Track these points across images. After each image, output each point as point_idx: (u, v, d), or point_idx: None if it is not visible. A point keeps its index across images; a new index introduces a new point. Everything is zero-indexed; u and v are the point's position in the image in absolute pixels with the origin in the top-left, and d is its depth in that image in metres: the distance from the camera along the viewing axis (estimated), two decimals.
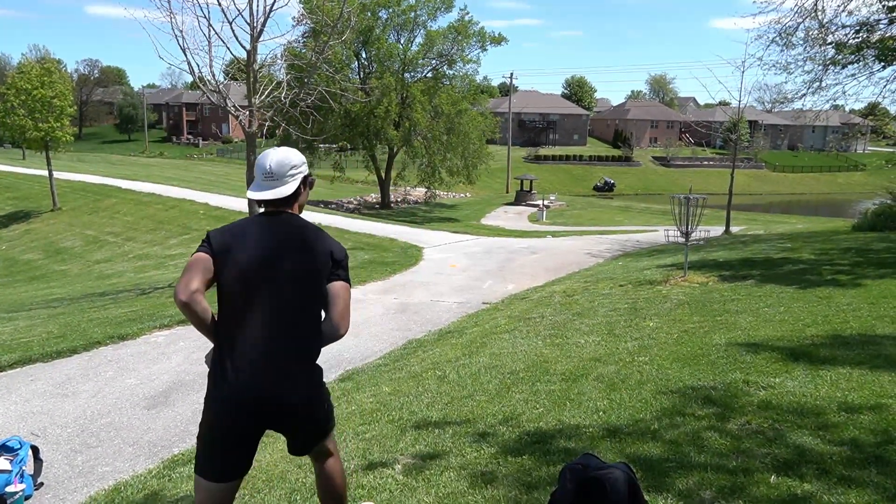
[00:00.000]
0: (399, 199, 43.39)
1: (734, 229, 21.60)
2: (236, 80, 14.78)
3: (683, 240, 9.05)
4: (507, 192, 48.45)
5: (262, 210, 2.66)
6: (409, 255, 15.87)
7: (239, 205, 24.79)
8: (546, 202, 37.21)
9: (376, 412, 4.85)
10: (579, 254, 16.27)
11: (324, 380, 2.65)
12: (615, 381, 4.82)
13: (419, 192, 43.35)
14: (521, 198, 41.52)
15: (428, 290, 11.32)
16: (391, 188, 39.91)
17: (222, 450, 2.50)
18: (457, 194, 47.53)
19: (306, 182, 2.69)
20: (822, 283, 8.06)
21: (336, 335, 2.59)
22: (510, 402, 4.64)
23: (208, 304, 2.47)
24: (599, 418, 4.07)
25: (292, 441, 2.69)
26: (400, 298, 10.60)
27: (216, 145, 78.52)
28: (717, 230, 19.38)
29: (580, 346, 6.13)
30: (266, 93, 12.06)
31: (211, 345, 2.59)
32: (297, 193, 2.63)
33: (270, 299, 2.49)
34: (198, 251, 2.52)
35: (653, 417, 3.96)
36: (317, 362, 2.60)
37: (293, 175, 2.61)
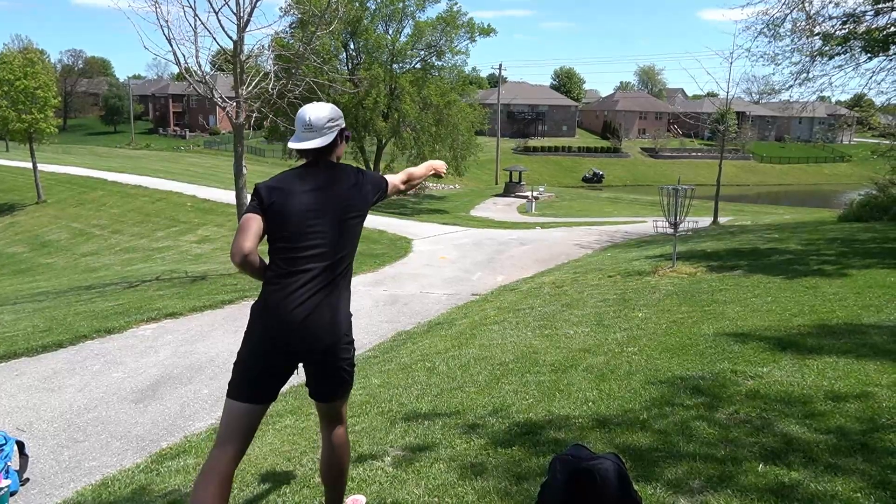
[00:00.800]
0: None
1: (722, 220, 21.73)
2: (223, 70, 14.64)
3: (672, 230, 9.09)
4: (497, 184, 48.45)
5: (302, 161, 2.83)
6: (398, 247, 15.85)
7: (227, 197, 24.62)
8: (535, 193, 37.25)
9: (366, 404, 4.84)
10: (568, 245, 16.31)
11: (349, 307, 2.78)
12: (604, 371, 4.84)
13: None
14: (510, 189, 41.53)
15: (417, 282, 11.31)
16: None
17: (254, 375, 2.66)
18: (446, 186, 47.50)
19: (342, 135, 2.84)
20: (808, 273, 8.12)
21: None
22: (500, 393, 4.65)
23: (260, 259, 2.68)
24: (589, 409, 4.08)
25: (317, 381, 2.78)
26: (389, 290, 10.58)
27: (203, 137, 77.93)
28: (705, 221, 19.47)
29: (569, 337, 6.14)
30: (253, 84, 11.96)
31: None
32: (334, 144, 2.79)
33: (314, 244, 2.65)
34: (248, 210, 2.71)
35: (642, 407, 3.98)
36: (348, 303, 2.76)
37: (331, 127, 2.77)
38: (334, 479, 2.90)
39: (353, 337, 2.79)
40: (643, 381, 4.49)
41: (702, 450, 3.29)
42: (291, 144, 2.81)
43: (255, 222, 2.67)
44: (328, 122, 2.77)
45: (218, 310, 9.12)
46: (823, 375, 4.19)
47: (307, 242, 2.65)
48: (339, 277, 2.71)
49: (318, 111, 2.77)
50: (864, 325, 5.43)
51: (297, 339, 2.61)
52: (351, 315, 2.79)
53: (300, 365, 2.72)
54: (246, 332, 2.69)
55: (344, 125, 2.87)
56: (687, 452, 3.27)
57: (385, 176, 3.07)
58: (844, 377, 4.13)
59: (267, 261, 2.71)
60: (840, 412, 3.60)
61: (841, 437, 3.29)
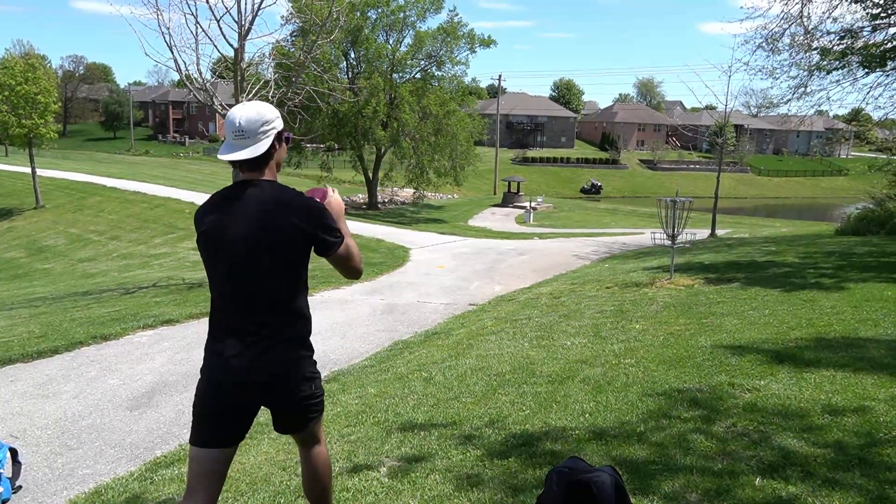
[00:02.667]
0: (386, 200, 43.29)
1: (720, 232, 21.76)
2: (223, 78, 14.67)
3: (670, 242, 9.09)
4: (495, 194, 48.49)
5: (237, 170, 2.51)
6: (396, 256, 15.84)
7: None
8: (533, 204, 37.29)
9: (362, 414, 4.82)
10: (566, 255, 16.31)
11: (311, 358, 2.55)
12: (601, 383, 4.82)
13: (407, 193, 43.28)
14: (508, 199, 41.56)
15: (415, 291, 11.30)
16: (379, 189, 39.82)
17: (208, 421, 2.49)
18: (444, 195, 47.52)
19: (281, 138, 2.49)
20: (806, 286, 8.12)
21: (358, 274, 2.64)
22: (496, 404, 4.63)
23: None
24: (586, 420, 4.06)
25: (274, 418, 2.65)
26: (387, 299, 10.57)
27: (202, 144, 78.05)
28: (702, 233, 19.50)
29: (566, 348, 6.13)
30: (254, 92, 11.98)
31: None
32: (270, 152, 2.44)
33: (238, 277, 2.41)
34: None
35: (639, 420, 3.96)
36: (297, 338, 2.49)
37: (266, 132, 2.41)
38: (318, 496, 2.79)
39: (316, 370, 2.58)
40: (640, 393, 4.48)
41: (699, 463, 3.28)
42: (221, 155, 2.46)
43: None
44: (263, 124, 2.41)
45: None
46: (821, 389, 4.19)
47: (246, 281, 2.40)
48: (271, 308, 2.43)
49: (249, 112, 2.40)
50: (861, 338, 5.42)
51: (244, 390, 2.43)
52: (310, 352, 2.55)
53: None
54: (201, 370, 2.53)
55: (281, 126, 2.50)
56: (684, 465, 3.26)
57: (326, 234, 2.47)
58: (842, 391, 4.12)
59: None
60: (838, 426, 3.58)
61: (839, 452, 3.28)
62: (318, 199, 2.54)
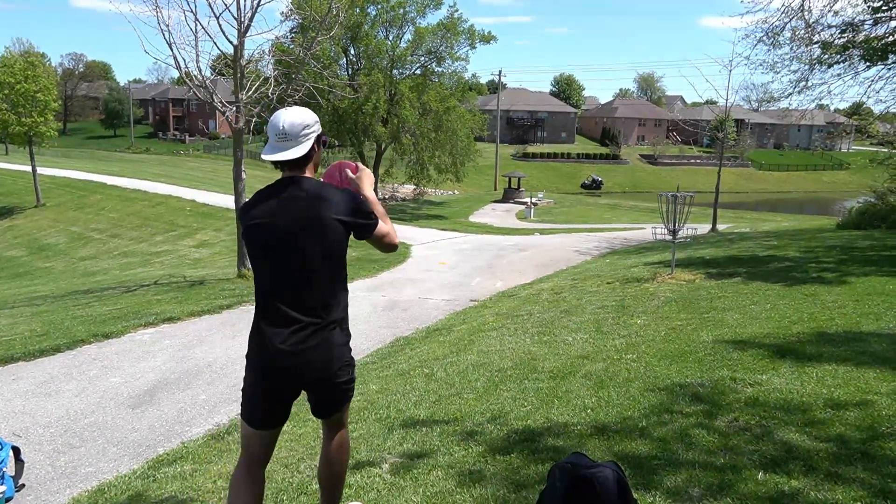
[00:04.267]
0: (387, 196, 43.29)
1: (721, 227, 21.73)
2: (223, 75, 14.65)
3: (671, 237, 9.08)
4: (496, 190, 48.48)
5: (280, 174, 2.70)
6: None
7: (227, 201, 24.62)
8: (534, 200, 37.27)
9: (363, 411, 4.82)
10: (567, 251, 16.30)
11: (349, 345, 2.70)
12: (603, 378, 4.82)
13: (407, 190, 43.30)
14: (509, 195, 41.57)
15: (416, 288, 11.29)
16: (379, 185, 39.80)
17: (260, 405, 2.65)
18: (445, 191, 47.48)
19: (319, 141, 2.70)
20: (807, 280, 8.11)
21: (394, 247, 2.81)
22: (498, 400, 4.63)
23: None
24: (587, 416, 4.06)
25: (313, 402, 2.77)
26: (388, 296, 10.57)
27: (203, 141, 77.99)
28: (704, 228, 19.48)
29: (568, 344, 6.13)
30: (253, 88, 11.97)
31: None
32: (311, 153, 2.65)
33: (283, 274, 2.57)
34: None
35: (641, 415, 3.96)
36: (338, 325, 2.64)
37: (306, 135, 2.62)
38: (333, 481, 2.88)
39: (352, 356, 2.73)
40: (642, 388, 4.48)
41: (701, 458, 3.27)
42: (265, 156, 2.64)
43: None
44: (304, 128, 2.61)
45: (216, 314, 9.08)
46: (823, 383, 4.18)
47: (289, 270, 2.56)
48: (316, 299, 2.58)
49: (292, 116, 2.60)
50: (863, 332, 5.42)
51: (290, 376, 2.58)
52: (348, 338, 2.70)
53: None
54: (247, 356, 2.68)
55: (321, 130, 2.72)
56: (686, 460, 3.26)
57: (363, 220, 2.68)
58: (844, 385, 4.11)
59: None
60: (840, 420, 3.58)
61: (841, 446, 3.27)
62: (350, 171, 2.85)
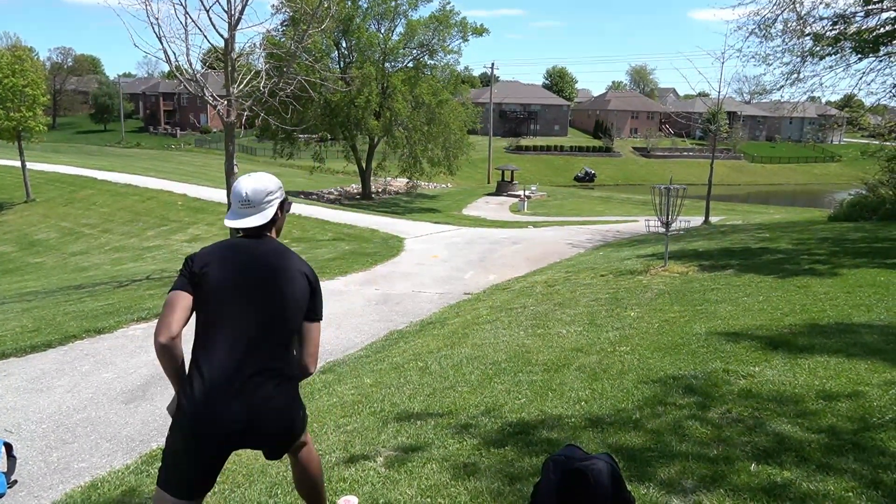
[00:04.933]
0: (380, 190, 43.21)
1: (713, 219, 21.80)
2: (214, 69, 14.56)
3: (664, 230, 9.11)
4: (489, 183, 48.47)
5: (240, 234, 2.64)
6: (390, 246, 15.82)
7: (218, 196, 24.51)
8: (527, 192, 37.29)
9: (358, 404, 4.82)
10: (560, 244, 16.32)
11: (298, 395, 2.59)
12: (597, 371, 4.84)
13: (400, 183, 43.23)
14: (502, 188, 41.57)
15: (409, 281, 11.29)
16: (372, 179, 39.72)
17: (188, 471, 2.42)
18: (438, 185, 47.43)
19: (283, 207, 2.67)
20: (799, 272, 8.15)
21: (306, 374, 2.59)
22: (492, 393, 4.64)
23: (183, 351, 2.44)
24: (581, 408, 4.08)
25: (268, 454, 2.67)
26: (381, 289, 10.56)
27: (194, 136, 77.53)
28: (696, 220, 19.54)
29: (562, 337, 6.15)
30: (244, 82, 11.90)
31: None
32: (274, 219, 2.62)
33: (244, 323, 2.43)
34: (176, 285, 2.45)
35: (634, 407, 3.98)
36: (293, 380, 2.54)
37: (269, 202, 2.59)
38: (309, 494, 2.84)
39: (301, 401, 2.61)
40: (635, 380, 4.50)
41: (694, 449, 3.29)
42: (228, 223, 2.61)
43: (183, 301, 2.41)
44: (267, 195, 2.58)
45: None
46: (815, 375, 4.21)
47: (233, 322, 2.42)
48: (274, 358, 2.46)
49: (255, 183, 2.57)
50: (854, 324, 5.46)
51: (237, 439, 2.41)
52: (297, 391, 2.58)
53: None
54: (172, 422, 2.44)
55: (284, 196, 2.69)
56: (680, 452, 3.28)
57: (317, 306, 2.61)
58: (836, 376, 4.14)
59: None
60: (831, 411, 3.61)
61: (832, 437, 3.30)
62: None
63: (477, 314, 8.16)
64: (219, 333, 2.43)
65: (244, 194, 2.56)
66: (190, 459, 2.39)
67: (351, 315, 8.74)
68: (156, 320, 8.51)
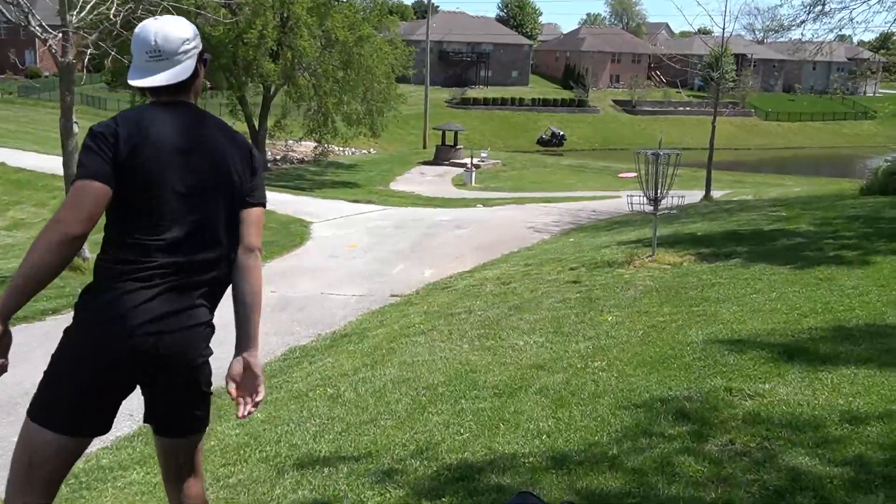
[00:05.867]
0: (278, 157, 42.67)
1: (716, 194, 22.40)
2: None
3: (651, 208, 9.27)
4: (425, 148, 48.48)
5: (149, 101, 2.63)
6: (291, 233, 15.67)
7: (51, 165, 23.69)
8: (476, 160, 37.44)
9: (244, 448, 4.77)
10: (519, 228, 16.48)
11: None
12: (563, 394, 4.90)
13: (306, 148, 42.74)
14: (442, 155, 41.62)
15: (317, 280, 11.21)
16: (268, 142, 39.17)
17: (81, 399, 2.47)
18: (357, 150, 47.17)
19: (202, 60, 2.67)
20: (822, 260, 8.44)
21: (260, 268, 2.72)
22: (426, 426, 4.65)
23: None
24: (542, 444, 4.12)
25: (166, 407, 2.63)
26: (279, 291, 10.46)
27: (17, 81, 74.91)
28: (694, 195, 20.01)
29: (518, 350, 6.20)
30: (87, 8, 11.53)
31: None
32: (195, 75, 2.62)
33: (186, 214, 2.52)
34: (89, 170, 2.40)
35: (611, 440, 4.04)
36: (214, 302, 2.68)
37: (187, 51, 2.57)
38: None
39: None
40: (613, 404, 4.57)
41: (687, 492, 3.36)
42: (134, 80, 2.57)
43: (95, 192, 2.40)
44: (183, 43, 2.56)
45: (37, 323, 8.77)
46: (839, 391, 4.36)
47: (171, 214, 2.50)
48: (220, 256, 2.61)
49: (168, 28, 2.56)
50: (889, 325, 5.68)
51: (145, 352, 2.46)
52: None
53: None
54: (71, 336, 2.51)
55: (202, 47, 2.68)
56: (669, 496, 3.34)
57: (260, 185, 2.80)
58: (864, 393, 4.30)
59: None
60: (859, 438, 3.74)
61: (860, 470, 3.42)
62: None
63: (407, 322, 8.16)
64: (151, 228, 2.47)
65: (153, 41, 2.52)
66: (83, 379, 2.45)
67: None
68: None
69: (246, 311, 2.69)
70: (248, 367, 2.68)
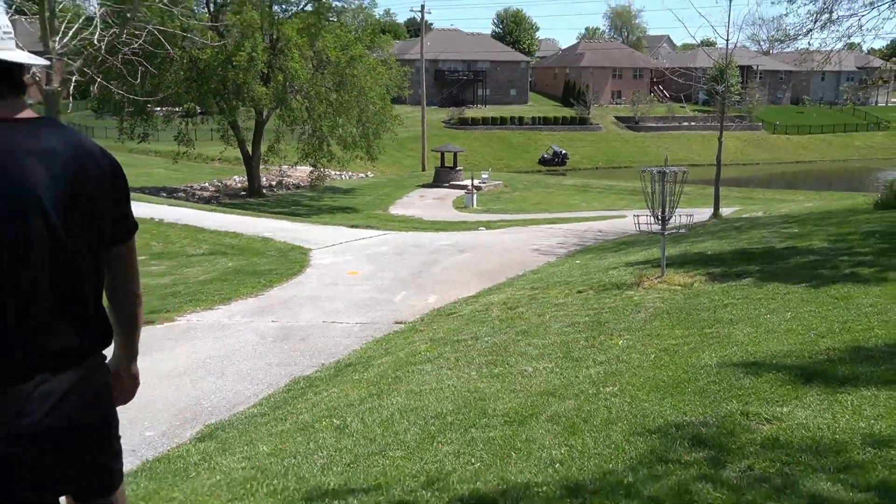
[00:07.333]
0: (273, 183, 42.78)
1: (725, 211, 22.44)
2: (24, 14, 14.18)
3: (659, 227, 9.32)
4: (424, 170, 48.70)
5: None
6: (290, 261, 15.68)
7: None
8: (477, 182, 37.56)
9: (251, 482, 4.77)
10: (523, 251, 16.51)
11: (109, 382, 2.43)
12: (575, 421, 4.92)
13: (301, 173, 42.85)
14: (442, 177, 41.77)
15: (319, 308, 11.23)
16: (262, 168, 39.27)
17: None
18: (354, 174, 47.32)
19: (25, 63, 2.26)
20: (838, 278, 8.46)
21: (141, 314, 2.50)
22: (436, 456, 4.67)
23: None
24: (556, 472, 4.14)
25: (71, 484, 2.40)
26: (280, 321, 10.47)
27: None
28: (703, 213, 20.07)
29: (527, 376, 6.23)
30: (70, 33, 11.65)
31: None
32: (22, 69, 2.23)
33: (24, 260, 2.11)
34: None
35: (626, 468, 4.07)
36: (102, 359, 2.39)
37: (8, 34, 2.18)
38: None
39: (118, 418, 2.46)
40: (627, 431, 4.59)
41: None
42: None
43: None
44: (7, 27, 2.21)
45: None
46: (860, 414, 4.38)
47: (28, 265, 2.12)
48: (79, 306, 2.25)
49: None
50: None
51: (31, 444, 2.13)
52: (105, 361, 2.42)
53: None
54: None
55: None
56: None
57: (129, 214, 2.45)
58: (887, 416, 4.32)
59: None
60: (882, 462, 3.77)
61: (884, 496, 3.44)
62: None
63: (413, 350, 8.17)
64: None
65: None
66: None
67: (238, 358, 8.63)
68: None
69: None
70: None
